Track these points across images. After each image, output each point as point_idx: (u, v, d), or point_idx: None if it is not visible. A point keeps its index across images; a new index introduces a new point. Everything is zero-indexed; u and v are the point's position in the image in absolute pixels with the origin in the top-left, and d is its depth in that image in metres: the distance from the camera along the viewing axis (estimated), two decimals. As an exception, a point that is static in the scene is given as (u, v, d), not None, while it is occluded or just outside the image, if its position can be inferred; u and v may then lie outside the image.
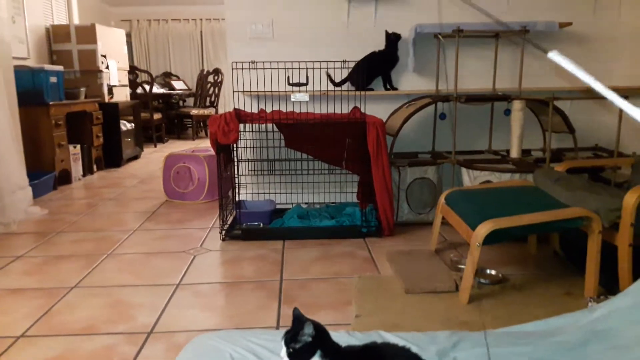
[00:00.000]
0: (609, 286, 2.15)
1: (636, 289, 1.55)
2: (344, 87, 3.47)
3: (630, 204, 1.98)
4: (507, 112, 3.38)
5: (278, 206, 3.45)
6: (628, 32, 3.58)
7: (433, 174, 3.18)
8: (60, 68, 4.73)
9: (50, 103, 4.38)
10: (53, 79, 4.53)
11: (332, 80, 3.46)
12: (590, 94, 3.60)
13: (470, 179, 3.05)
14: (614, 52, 3.66)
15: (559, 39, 3.61)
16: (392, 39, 3.41)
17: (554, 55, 0.80)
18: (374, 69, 3.46)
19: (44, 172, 4.29)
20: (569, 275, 2.37)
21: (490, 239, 2.03)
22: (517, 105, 3.03)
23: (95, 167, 5.23)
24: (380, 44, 3.50)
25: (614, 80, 3.66)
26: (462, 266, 2.27)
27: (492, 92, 3.51)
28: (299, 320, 1.28)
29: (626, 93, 3.14)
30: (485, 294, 2.18)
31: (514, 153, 3.12)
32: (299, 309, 1.37)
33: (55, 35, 5.44)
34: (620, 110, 2.83)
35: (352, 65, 3.44)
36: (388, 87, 3.53)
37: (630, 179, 2.74)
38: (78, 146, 4.86)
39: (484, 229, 2.01)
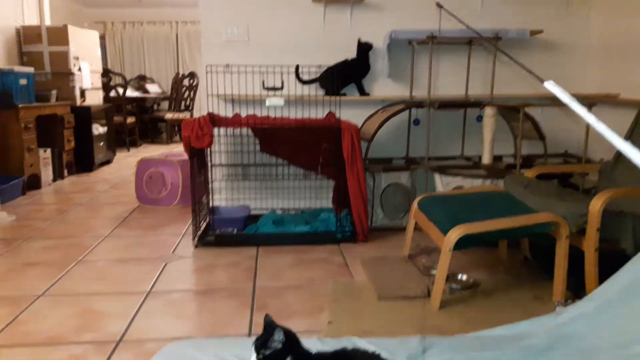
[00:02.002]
0: (577, 291, 2.19)
1: (600, 294, 1.59)
2: (320, 92, 3.48)
3: (596, 210, 2.03)
4: (480, 118, 3.43)
5: (253, 212, 3.43)
6: (597, 40, 3.67)
7: (407, 179, 3.21)
8: (30, 70, 4.63)
9: (20, 106, 4.28)
10: (23, 81, 4.43)
11: (298, 76, 3.45)
12: (559, 102, 3.68)
13: (443, 184, 3.09)
14: (584, 60, 3.74)
15: (530, 46, 3.68)
16: (364, 48, 3.43)
17: (550, 85, 0.82)
18: (346, 77, 3.47)
19: (12, 177, 4.18)
20: (538, 280, 2.41)
21: (461, 244, 2.05)
22: (489, 111, 3.08)
23: (66, 171, 5.13)
24: (355, 50, 3.52)
25: (584, 87, 3.75)
26: (435, 271, 2.29)
27: (465, 99, 3.56)
28: (269, 326, 1.28)
29: (595, 100, 3.23)
30: (457, 299, 2.21)
31: (486, 159, 3.16)
32: (270, 316, 1.37)
33: (26, 36, 5.32)
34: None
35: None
36: (360, 94, 3.55)
37: (597, 184, 2.80)
38: (48, 150, 4.76)
39: (454, 234, 2.03)
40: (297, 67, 3.41)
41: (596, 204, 2.04)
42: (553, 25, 3.67)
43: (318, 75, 3.45)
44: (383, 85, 3.63)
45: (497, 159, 3.44)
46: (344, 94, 3.52)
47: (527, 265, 2.61)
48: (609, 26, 3.55)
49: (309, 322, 2.02)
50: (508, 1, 3.61)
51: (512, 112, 3.26)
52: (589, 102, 2.85)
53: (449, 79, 3.66)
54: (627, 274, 1.58)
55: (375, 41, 3.53)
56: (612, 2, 3.50)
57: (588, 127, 2.94)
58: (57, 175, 4.96)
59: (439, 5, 3.40)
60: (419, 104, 3.25)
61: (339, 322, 2.00)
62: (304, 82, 3.46)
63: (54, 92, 4.98)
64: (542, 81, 0.91)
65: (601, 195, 2.05)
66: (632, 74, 3.33)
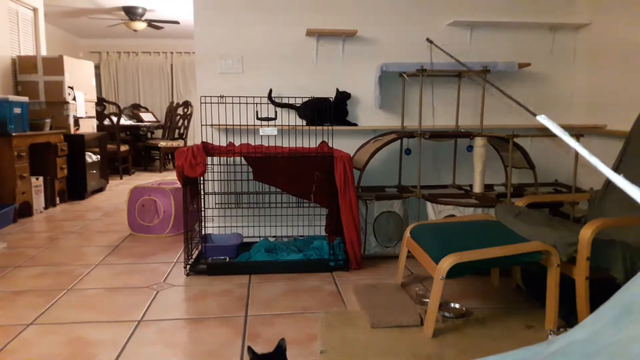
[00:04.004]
0: (569, 319, 2.20)
1: (592, 322, 1.59)
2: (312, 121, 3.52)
3: (586, 238, 2.05)
4: (470, 148, 3.49)
5: (245, 240, 3.43)
6: (583, 72, 3.77)
7: (399, 207, 3.23)
8: (25, 99, 4.66)
9: (13, 134, 4.30)
10: (17, 110, 4.46)
11: (271, 99, 3.51)
12: (548, 132, 3.75)
13: (435, 212, 3.11)
14: (571, 91, 3.84)
15: (519, 79, 3.77)
16: (340, 98, 3.53)
17: (543, 119, 0.86)
18: (325, 113, 3.53)
19: (3, 205, 4.17)
20: (530, 308, 2.42)
21: (453, 273, 2.06)
22: (479, 142, 3.13)
23: (58, 199, 5.11)
24: (347, 82, 3.60)
25: (571, 118, 3.83)
26: (427, 300, 2.29)
27: (455, 129, 3.62)
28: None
29: (583, 131, 3.30)
30: (450, 328, 2.20)
31: (477, 188, 3.20)
32: (252, 348, 1.38)
33: (22, 66, 5.37)
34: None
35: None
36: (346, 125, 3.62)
37: (587, 213, 2.84)
38: (41, 178, 4.76)
39: (446, 262, 2.04)
40: (270, 91, 3.49)
41: (586, 233, 2.06)
42: (541, 59, 3.77)
43: (298, 104, 3.52)
44: (375, 116, 3.69)
45: (488, 187, 3.48)
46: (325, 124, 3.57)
47: (520, 294, 2.62)
48: (595, 60, 3.65)
49: (302, 351, 2.00)
50: (496, 37, 3.72)
51: (502, 142, 3.32)
52: (577, 132, 2.91)
53: (440, 110, 3.73)
54: (618, 301, 1.59)
55: (366, 74, 3.62)
56: (596, 33, 3.61)
57: (577, 156, 2.99)
58: (49, 202, 4.94)
59: (429, 41, 3.51)
60: (410, 134, 3.31)
61: (332, 351, 1.99)
62: (277, 105, 3.52)
63: (48, 120, 5.01)
64: (534, 115, 0.94)
65: (591, 225, 2.08)
66: (618, 105, 3.41)
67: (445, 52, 3.07)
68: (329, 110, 3.47)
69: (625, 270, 2.07)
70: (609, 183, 2.72)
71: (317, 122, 3.47)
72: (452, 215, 3.00)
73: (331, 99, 3.53)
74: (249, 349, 1.54)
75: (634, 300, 1.53)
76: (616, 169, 2.72)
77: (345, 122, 3.59)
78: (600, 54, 3.55)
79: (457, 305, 2.41)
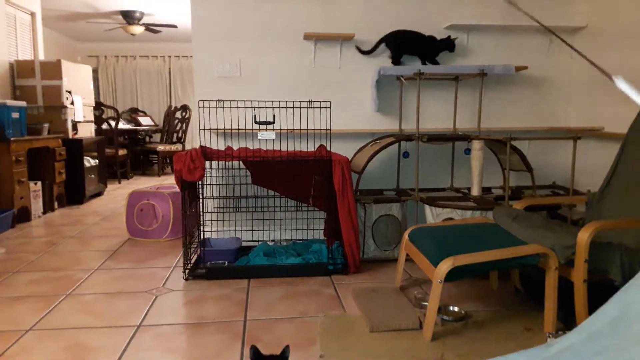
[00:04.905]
0: (567, 321, 2.20)
1: (590, 324, 1.60)
2: (310, 126, 3.52)
3: (584, 241, 2.06)
4: (467, 151, 3.50)
5: (244, 244, 3.43)
6: (580, 74, 3.78)
7: (398, 211, 3.23)
8: (22, 103, 4.66)
9: (12, 139, 4.30)
10: (15, 115, 4.45)
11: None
12: (545, 134, 3.77)
13: (433, 215, 3.11)
14: (568, 94, 3.85)
15: (516, 82, 3.78)
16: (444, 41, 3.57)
17: (620, 83, 0.83)
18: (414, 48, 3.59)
19: (1, 210, 4.17)
20: (529, 310, 2.42)
21: (452, 276, 2.07)
22: (476, 145, 3.14)
23: (56, 204, 5.11)
24: (344, 85, 3.61)
25: (568, 121, 3.85)
26: (426, 303, 2.29)
27: (453, 132, 3.63)
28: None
29: (580, 133, 3.31)
30: (449, 331, 2.20)
31: (475, 191, 3.21)
32: (256, 347, 1.38)
33: (20, 70, 5.37)
34: (574, 150, 2.96)
35: (317, 104, 3.51)
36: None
37: (584, 216, 2.85)
38: (39, 183, 4.76)
39: (445, 265, 2.05)
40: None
41: (584, 236, 2.07)
42: (537, 62, 3.78)
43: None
44: (372, 119, 3.70)
45: (486, 190, 3.49)
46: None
47: (518, 296, 2.62)
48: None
49: (301, 355, 2.00)
50: (493, 40, 3.73)
51: (499, 144, 3.33)
52: (574, 135, 2.92)
53: (437, 113, 3.74)
54: (616, 304, 1.60)
55: (364, 77, 3.62)
56: (593, 39, 3.63)
57: (574, 159, 3.00)
58: (48, 207, 4.93)
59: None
60: (408, 138, 3.31)
61: (331, 355, 1.99)
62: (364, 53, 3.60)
63: (46, 125, 5.00)
64: (610, 78, 0.91)
65: (588, 227, 2.08)
66: (615, 108, 3.42)
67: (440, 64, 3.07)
68: (423, 45, 3.52)
69: (623, 272, 2.07)
70: (606, 185, 2.73)
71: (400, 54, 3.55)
72: (451, 218, 3.00)
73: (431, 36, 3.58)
74: (252, 347, 1.54)
75: (631, 303, 1.54)
76: (613, 171, 2.73)
77: (435, 61, 3.61)
78: (597, 57, 3.56)
79: (456, 309, 2.41)
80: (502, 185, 3.64)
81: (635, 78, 3.23)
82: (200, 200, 3.29)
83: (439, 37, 3.56)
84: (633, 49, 3.25)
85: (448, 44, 3.52)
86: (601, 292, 1.81)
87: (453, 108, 3.66)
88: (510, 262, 2.19)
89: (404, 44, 3.53)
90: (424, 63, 3.56)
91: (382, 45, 3.56)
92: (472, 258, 2.10)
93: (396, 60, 3.54)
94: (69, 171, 5.31)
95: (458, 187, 3.66)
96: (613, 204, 2.66)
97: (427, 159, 3.73)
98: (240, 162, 3.36)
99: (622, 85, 0.83)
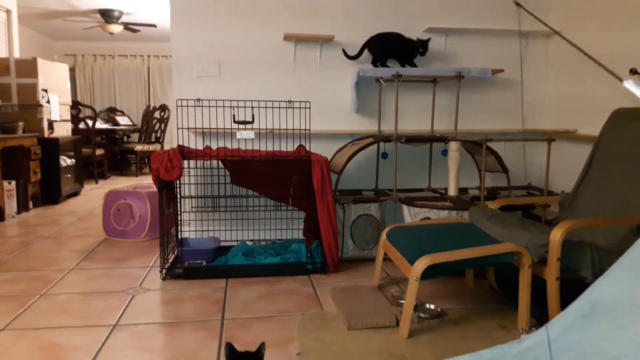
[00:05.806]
0: (540, 318, 2.25)
1: (561, 320, 1.64)
2: (289, 126, 3.53)
3: (556, 240, 2.11)
4: (445, 152, 3.54)
5: (223, 244, 3.42)
6: (554, 78, 3.86)
7: (376, 210, 3.26)
8: (-4, 101, 4.58)
9: (-15, 137, 4.21)
10: (-12, 113, 4.37)
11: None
12: (521, 136, 3.84)
13: (411, 215, 3.15)
14: (543, 97, 3.93)
15: (492, 84, 3.85)
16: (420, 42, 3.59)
17: (629, 85, 0.85)
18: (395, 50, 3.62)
19: (-26, 209, 4.08)
20: (503, 308, 2.47)
21: (428, 274, 2.10)
22: (453, 146, 3.18)
23: (31, 203, 5.02)
24: (324, 86, 3.63)
25: (542, 123, 3.92)
26: (403, 301, 2.32)
27: (431, 134, 3.68)
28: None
29: (554, 135, 3.37)
30: (425, 328, 2.23)
31: (452, 191, 3.25)
32: (231, 344, 1.38)
33: (-7, 68, 5.28)
34: (549, 152, 3.02)
35: (296, 105, 3.52)
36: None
37: (558, 216, 2.91)
38: (13, 182, 4.67)
39: (421, 263, 2.07)
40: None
41: (556, 235, 2.12)
42: (513, 65, 3.85)
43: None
44: (352, 120, 3.72)
45: (462, 191, 3.54)
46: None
47: (493, 294, 2.67)
48: (565, 66, 3.74)
49: (278, 353, 2.01)
50: (470, 43, 3.79)
51: (476, 146, 3.38)
52: (549, 137, 2.98)
53: (416, 114, 3.78)
54: (586, 300, 1.64)
55: (343, 78, 3.65)
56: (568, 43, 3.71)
57: (548, 160, 3.06)
58: (22, 207, 4.85)
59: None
60: (387, 139, 3.34)
61: (308, 353, 2.00)
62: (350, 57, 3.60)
63: (21, 124, 4.92)
64: (620, 79, 0.93)
65: (561, 226, 2.13)
66: (588, 110, 3.50)
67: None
68: (402, 49, 3.55)
69: (594, 270, 2.13)
70: (579, 186, 2.80)
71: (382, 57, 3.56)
72: (428, 218, 3.04)
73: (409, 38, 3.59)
74: (228, 344, 1.54)
75: (600, 299, 1.58)
76: (585, 172, 2.79)
77: (413, 64, 3.63)
78: (571, 61, 3.64)
79: (432, 306, 2.44)
80: (479, 185, 3.69)
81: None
82: (178, 200, 3.27)
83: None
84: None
85: (425, 46, 3.56)
86: (573, 289, 1.85)
87: (431, 110, 3.71)
88: (485, 260, 2.23)
89: (385, 47, 3.56)
90: (402, 65, 3.60)
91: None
92: (447, 256, 2.13)
93: (382, 63, 3.57)
94: (44, 170, 5.22)
95: (435, 187, 3.70)
96: (585, 204, 2.73)
97: (405, 159, 3.77)
98: (219, 162, 3.35)
99: (630, 86, 0.86)
